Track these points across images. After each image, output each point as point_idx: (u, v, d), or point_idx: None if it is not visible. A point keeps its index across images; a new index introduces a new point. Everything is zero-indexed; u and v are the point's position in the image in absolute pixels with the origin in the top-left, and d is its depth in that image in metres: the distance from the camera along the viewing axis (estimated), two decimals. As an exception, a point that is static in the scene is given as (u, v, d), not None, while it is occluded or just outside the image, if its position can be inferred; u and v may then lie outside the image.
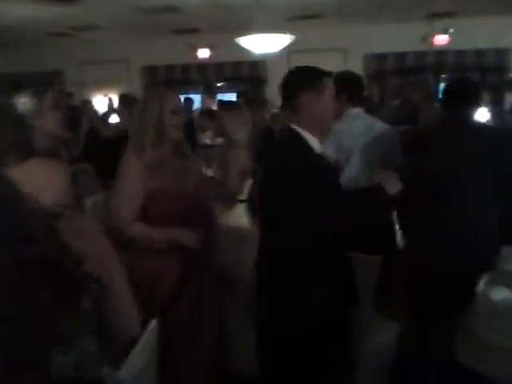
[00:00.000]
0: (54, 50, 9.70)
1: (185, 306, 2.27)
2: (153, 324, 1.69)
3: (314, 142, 2.03)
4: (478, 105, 2.57)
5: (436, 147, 2.41)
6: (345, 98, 3.12)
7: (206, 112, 6.42)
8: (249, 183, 3.17)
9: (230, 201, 3.12)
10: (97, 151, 5.26)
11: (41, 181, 1.71)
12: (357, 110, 3.09)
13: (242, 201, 3.18)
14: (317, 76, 2.08)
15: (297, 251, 2.04)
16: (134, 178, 2.19)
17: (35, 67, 9.35)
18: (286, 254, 2.06)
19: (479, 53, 8.58)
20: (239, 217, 3.10)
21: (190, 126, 5.77)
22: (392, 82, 6.18)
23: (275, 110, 7.04)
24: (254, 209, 3.28)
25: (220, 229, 3.02)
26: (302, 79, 2.06)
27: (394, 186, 1.99)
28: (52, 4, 6.35)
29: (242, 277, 2.74)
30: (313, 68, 2.07)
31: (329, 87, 2.04)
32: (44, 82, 9.82)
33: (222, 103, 4.03)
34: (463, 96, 2.52)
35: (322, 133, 2.07)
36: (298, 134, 2.01)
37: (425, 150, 2.43)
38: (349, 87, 3.16)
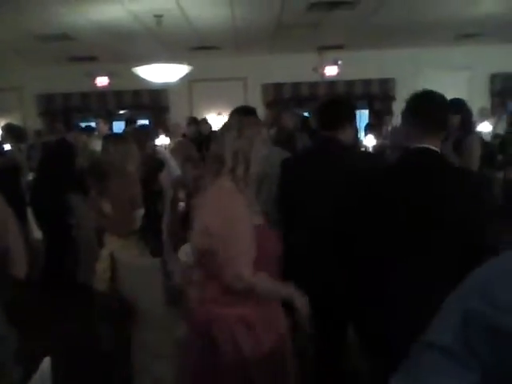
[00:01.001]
0: None
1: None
2: (46, 361, 1.65)
3: None
4: (351, 127, 2.59)
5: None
6: None
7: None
8: (141, 213, 3.19)
9: (123, 233, 3.12)
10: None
11: None
12: None
13: (133, 232, 3.18)
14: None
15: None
16: (244, 213, 1.92)
17: None
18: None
19: (366, 82, 9.27)
20: (130, 248, 3.10)
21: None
22: (271, 112, 6.50)
23: (179, 138, 7.13)
24: (146, 239, 3.32)
25: (121, 264, 2.99)
26: (448, 104, 2.13)
27: None
28: None
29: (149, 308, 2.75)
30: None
31: None
32: None
33: (108, 136, 4.06)
34: (334, 119, 2.54)
35: None
36: (442, 155, 2.00)
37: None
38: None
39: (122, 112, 9.62)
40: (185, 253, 3.23)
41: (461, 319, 0.82)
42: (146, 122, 8.84)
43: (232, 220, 1.88)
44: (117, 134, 4.99)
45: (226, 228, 1.87)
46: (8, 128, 5.44)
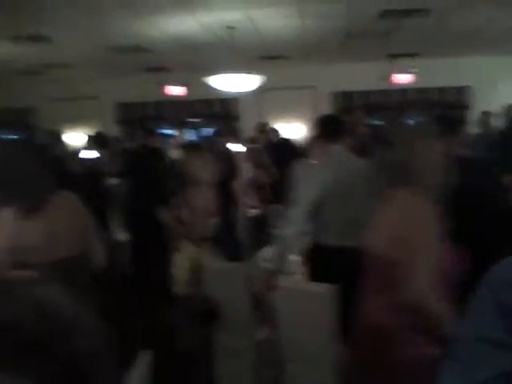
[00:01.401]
0: (24, 87, 9.73)
1: None
2: (144, 356, 1.72)
3: None
4: None
5: None
6: (319, 136, 3.39)
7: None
8: (215, 221, 3.28)
9: (197, 240, 3.21)
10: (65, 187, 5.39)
11: None
12: (338, 147, 3.23)
13: (207, 239, 3.26)
14: None
15: None
16: (432, 227, 1.80)
17: (3, 105, 9.35)
18: None
19: (440, 90, 9.00)
20: (204, 255, 3.19)
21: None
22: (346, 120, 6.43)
23: (251, 145, 7.23)
24: (221, 246, 3.40)
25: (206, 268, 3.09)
26: None
27: None
28: (24, 43, 6.47)
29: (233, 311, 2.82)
30: None
31: None
32: (16, 120, 9.87)
33: (183, 145, 4.16)
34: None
35: None
36: None
37: None
38: (323, 127, 3.37)
39: (194, 120, 9.89)
40: (263, 258, 3.27)
41: (498, 311, 0.85)
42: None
43: (422, 232, 1.80)
44: (192, 143, 5.13)
45: (416, 239, 1.80)
46: (95, 136, 5.83)
